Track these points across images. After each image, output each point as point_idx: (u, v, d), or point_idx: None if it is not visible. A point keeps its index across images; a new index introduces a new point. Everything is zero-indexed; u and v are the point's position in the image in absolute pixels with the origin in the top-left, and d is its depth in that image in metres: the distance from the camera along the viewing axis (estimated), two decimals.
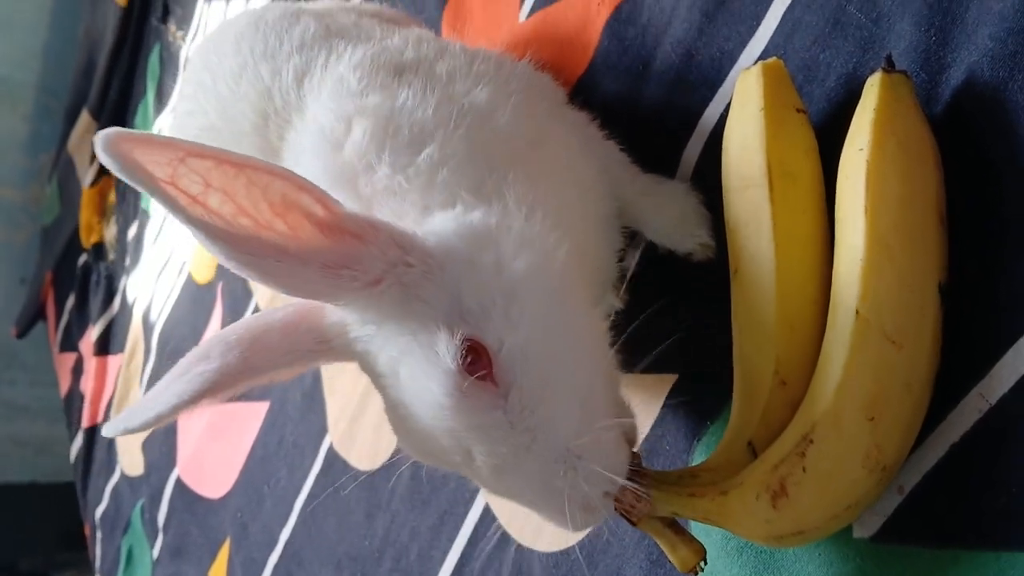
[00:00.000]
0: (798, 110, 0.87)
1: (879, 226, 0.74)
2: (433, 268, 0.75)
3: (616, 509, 0.77)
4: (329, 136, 0.88)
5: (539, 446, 0.72)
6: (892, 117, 0.77)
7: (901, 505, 0.76)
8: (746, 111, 0.87)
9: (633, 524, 0.78)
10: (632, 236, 1.07)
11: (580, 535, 1.07)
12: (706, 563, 0.79)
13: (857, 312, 0.73)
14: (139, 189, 0.64)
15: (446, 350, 0.71)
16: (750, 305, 0.84)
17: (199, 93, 1.12)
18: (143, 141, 0.62)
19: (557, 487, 0.72)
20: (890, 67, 0.80)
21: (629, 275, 1.08)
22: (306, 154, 0.91)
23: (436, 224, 0.79)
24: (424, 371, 0.72)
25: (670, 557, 0.79)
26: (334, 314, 0.79)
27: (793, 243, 0.82)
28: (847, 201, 0.78)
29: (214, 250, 0.67)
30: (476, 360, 0.72)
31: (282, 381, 0.80)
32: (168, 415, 0.73)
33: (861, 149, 0.77)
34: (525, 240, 0.78)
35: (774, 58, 0.88)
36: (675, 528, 0.79)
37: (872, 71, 0.80)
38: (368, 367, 0.79)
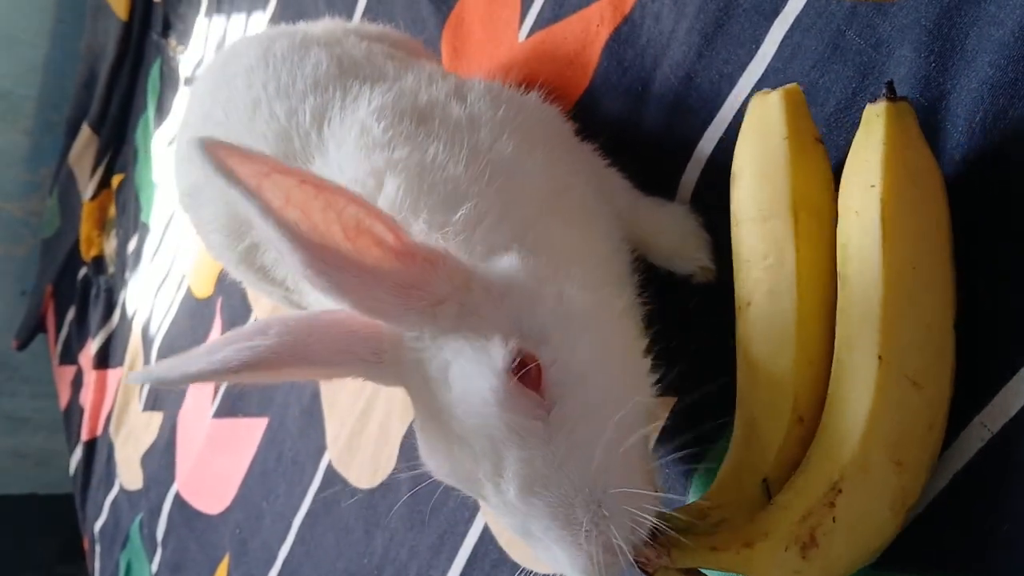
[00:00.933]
0: (817, 139, 0.85)
1: (897, 267, 0.73)
2: (494, 296, 0.77)
3: (634, 559, 0.76)
4: (361, 191, 0.88)
5: (571, 466, 0.72)
6: (902, 150, 0.76)
7: (903, 533, 0.75)
8: (768, 140, 0.85)
9: (649, 575, 0.77)
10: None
11: None
12: None
13: (880, 357, 0.72)
14: (231, 188, 0.65)
15: (498, 352, 0.73)
16: (766, 339, 0.82)
17: (208, 125, 1.12)
18: (236, 152, 0.65)
19: (578, 518, 0.72)
20: (893, 95, 0.78)
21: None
22: None
23: (499, 263, 0.81)
24: (475, 369, 0.74)
25: None
26: (390, 329, 0.80)
27: (814, 280, 0.81)
28: (858, 239, 0.76)
29: (295, 256, 0.68)
30: (526, 370, 0.73)
31: (310, 381, 0.80)
32: (209, 375, 0.74)
33: (873, 185, 0.75)
34: (587, 284, 0.81)
35: (793, 85, 0.86)
36: (690, 572, 0.78)
37: (873, 98, 0.79)
38: (416, 376, 0.79)
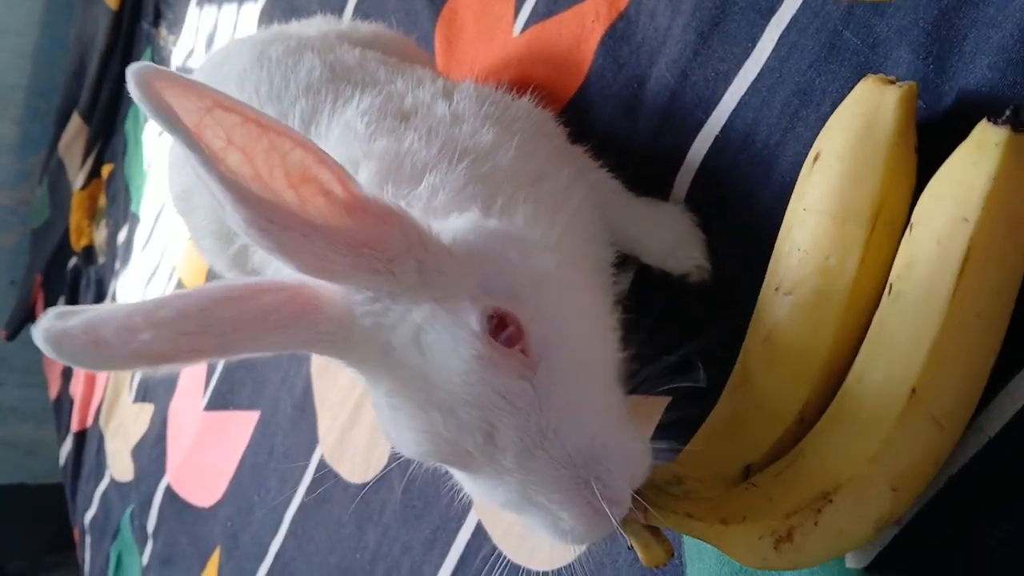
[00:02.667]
0: (916, 149, 0.80)
1: (963, 314, 0.69)
2: (456, 255, 0.74)
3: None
4: None
5: (567, 424, 0.71)
6: (1010, 193, 0.69)
7: (897, 537, 0.76)
8: (871, 139, 0.78)
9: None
10: (623, 260, 1.07)
11: (574, 554, 1.06)
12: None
13: (914, 390, 0.70)
14: (166, 131, 0.61)
15: (474, 314, 0.70)
16: (796, 336, 0.80)
17: None
18: (175, 82, 0.61)
19: (581, 475, 0.70)
20: (1019, 124, 0.69)
21: (623, 297, 1.08)
22: None
23: (451, 222, 0.78)
24: (451, 335, 0.70)
25: (640, 553, 0.79)
26: (332, 293, 0.75)
27: (865, 294, 0.78)
28: (931, 267, 0.71)
29: (237, 213, 0.64)
30: (503, 329, 0.71)
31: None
32: (127, 363, 0.68)
33: (966, 220, 0.69)
34: (548, 246, 0.79)
35: (912, 84, 0.79)
36: (652, 530, 0.79)
37: (995, 118, 0.70)
38: (374, 346, 0.74)
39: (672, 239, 1.00)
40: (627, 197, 1.04)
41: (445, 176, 0.84)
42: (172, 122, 0.61)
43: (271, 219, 0.65)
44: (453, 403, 0.70)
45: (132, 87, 0.60)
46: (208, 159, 0.62)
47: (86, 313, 0.66)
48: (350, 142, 0.90)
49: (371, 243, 0.71)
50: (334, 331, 0.75)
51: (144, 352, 0.67)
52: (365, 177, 0.86)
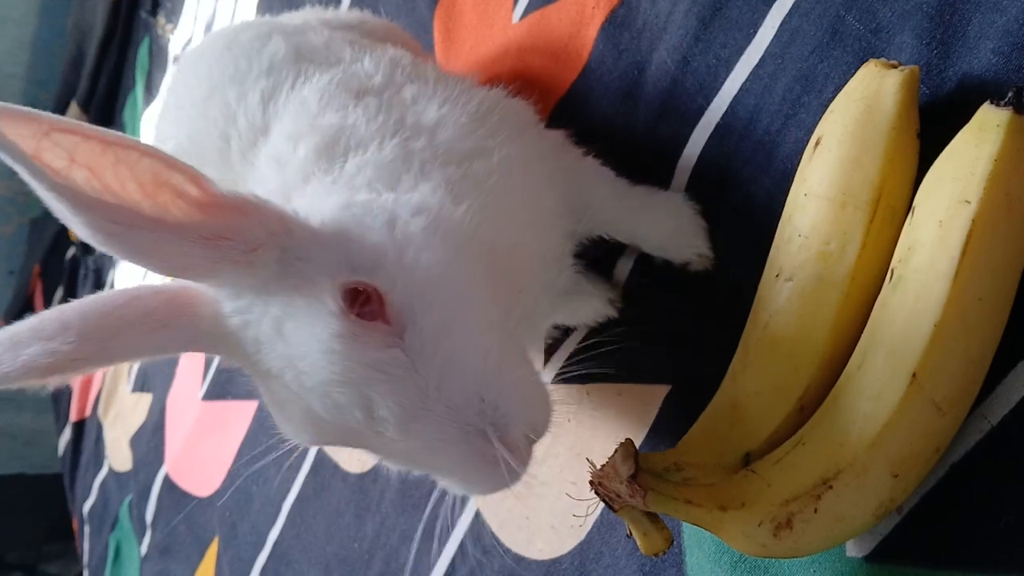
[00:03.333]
0: (918, 135, 0.79)
1: (964, 298, 0.68)
2: (324, 237, 0.73)
3: (601, 494, 0.77)
4: (278, 155, 0.87)
5: (449, 381, 0.70)
6: (1011, 173, 0.69)
7: (899, 525, 0.75)
8: (872, 124, 0.78)
9: (614, 511, 0.78)
10: (622, 248, 1.06)
11: (572, 543, 1.06)
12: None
13: (914, 375, 0.69)
14: (7, 161, 0.61)
15: (328, 292, 0.70)
16: (796, 322, 0.80)
17: (172, 113, 1.10)
18: (7, 112, 0.60)
19: (473, 424, 0.69)
20: (1021, 106, 0.69)
21: (623, 285, 1.08)
22: (259, 173, 0.89)
23: (325, 202, 0.78)
24: (309, 320, 0.70)
25: (638, 540, 0.79)
26: (206, 293, 0.76)
27: (866, 279, 0.78)
28: (932, 251, 0.70)
29: (78, 219, 0.64)
30: (367, 304, 0.70)
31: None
32: (11, 381, 0.68)
33: (968, 202, 0.69)
34: (425, 207, 0.77)
35: (914, 68, 0.79)
36: (651, 516, 0.79)
37: (997, 100, 0.70)
38: (247, 341, 0.74)
39: (672, 227, 0.99)
40: (621, 185, 1.03)
41: (376, 154, 0.83)
42: (8, 149, 0.61)
43: (115, 220, 0.65)
44: (326, 385, 0.70)
45: None
46: (39, 177, 0.62)
47: None
48: (300, 117, 0.89)
49: (227, 234, 0.70)
50: (212, 330, 0.75)
51: (33, 366, 0.67)
52: (302, 152, 0.85)
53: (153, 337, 0.73)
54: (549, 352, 1.14)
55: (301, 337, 0.70)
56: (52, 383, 0.70)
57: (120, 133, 0.65)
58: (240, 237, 0.70)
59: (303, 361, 0.70)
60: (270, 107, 0.94)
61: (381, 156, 0.83)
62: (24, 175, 0.62)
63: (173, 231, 0.67)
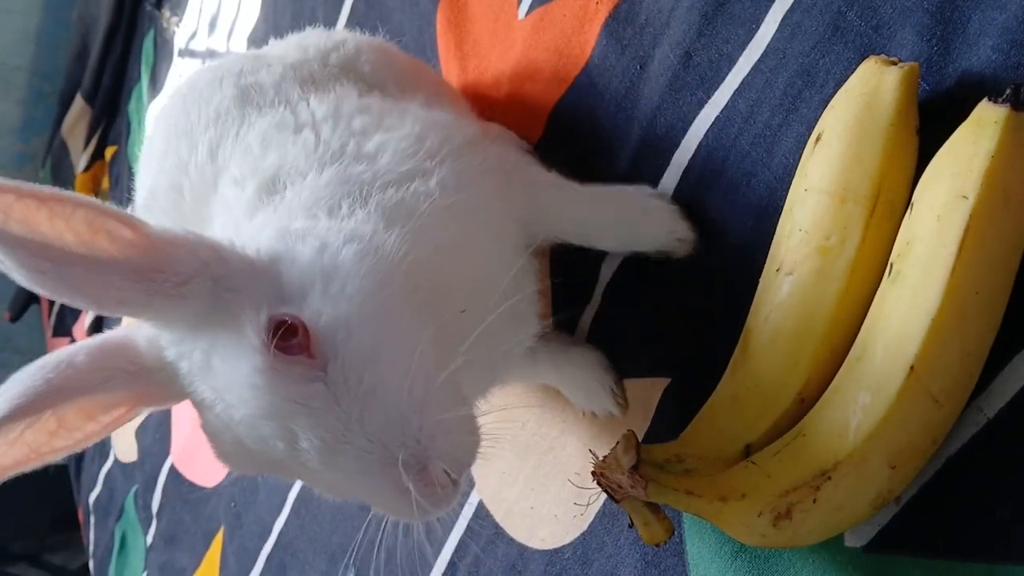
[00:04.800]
0: (917, 131, 0.80)
1: (962, 291, 0.69)
2: (258, 267, 0.74)
3: (603, 485, 0.79)
4: (226, 200, 0.88)
5: (370, 413, 0.70)
6: (1008, 170, 0.70)
7: (896, 516, 0.76)
8: (871, 120, 0.79)
9: (616, 501, 0.80)
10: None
11: (575, 533, 1.07)
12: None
13: (912, 368, 0.70)
14: None
15: (251, 328, 0.70)
16: (796, 316, 0.81)
17: (144, 162, 1.10)
18: None
19: (392, 455, 0.69)
20: (1018, 103, 0.70)
21: (607, 282, 1.09)
22: (213, 222, 0.90)
23: (261, 233, 0.78)
24: (234, 353, 0.71)
25: (639, 530, 0.81)
26: (146, 335, 0.78)
27: (865, 273, 0.79)
28: (930, 245, 0.71)
29: (11, 260, 0.65)
30: (291, 337, 0.70)
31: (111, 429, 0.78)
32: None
33: (965, 197, 0.70)
34: (356, 235, 0.77)
35: (914, 65, 0.80)
36: (652, 507, 0.80)
37: (995, 96, 0.72)
38: (181, 373, 0.76)
39: (639, 218, 0.99)
40: (575, 187, 1.03)
41: (315, 179, 0.84)
42: None
43: (47, 258, 0.66)
44: (251, 419, 0.71)
45: None
46: None
47: None
48: (244, 162, 0.90)
49: (160, 267, 0.71)
50: (157, 368, 0.77)
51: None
52: (248, 191, 0.86)
53: (104, 389, 0.75)
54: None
55: (227, 370, 0.72)
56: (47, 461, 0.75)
57: (55, 189, 0.67)
58: (172, 270, 0.71)
59: (229, 394, 0.72)
60: (218, 158, 0.94)
61: (319, 181, 0.83)
62: None
63: (106, 267, 0.69)
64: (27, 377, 0.72)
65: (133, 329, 0.78)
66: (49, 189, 0.66)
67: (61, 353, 0.74)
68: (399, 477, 0.69)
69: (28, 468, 0.74)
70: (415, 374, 0.72)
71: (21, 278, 0.66)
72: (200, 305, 0.72)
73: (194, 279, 0.72)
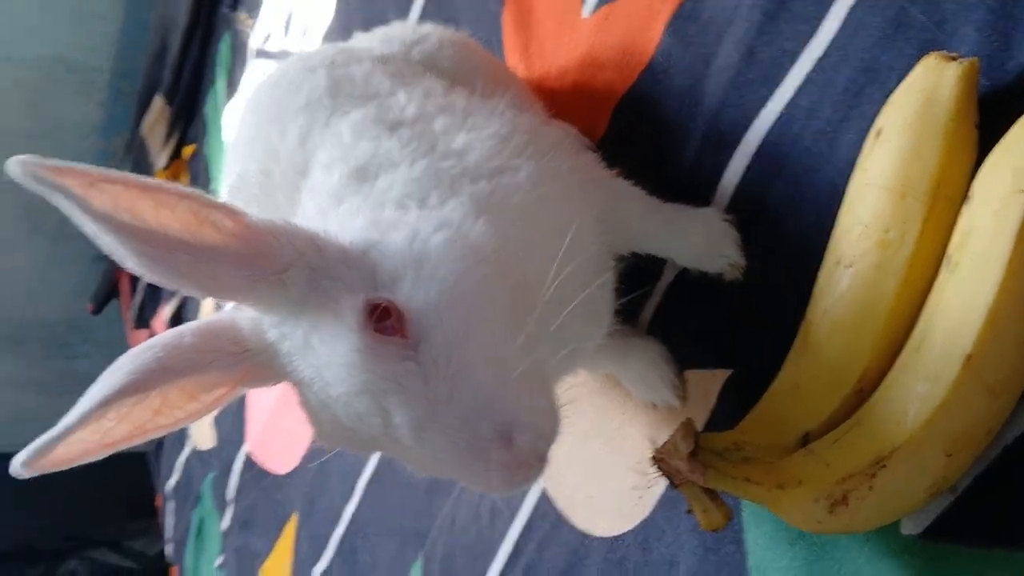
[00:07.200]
0: (976, 126, 0.81)
1: (1019, 282, 0.71)
2: (352, 256, 0.78)
3: (663, 470, 0.81)
4: (315, 185, 0.92)
5: (459, 396, 0.73)
6: None
7: (953, 504, 0.77)
8: (930, 116, 0.80)
9: (675, 486, 0.82)
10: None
11: (635, 521, 1.10)
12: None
13: (969, 357, 0.71)
14: (62, 203, 0.66)
15: (349, 311, 0.74)
16: (855, 308, 0.82)
17: (234, 147, 1.15)
18: (58, 168, 0.66)
19: (482, 433, 0.72)
20: None
21: (669, 282, 1.12)
22: (302, 206, 0.94)
23: (354, 222, 0.82)
24: (332, 334, 0.75)
25: (698, 515, 0.83)
26: (250, 317, 0.81)
27: (924, 267, 0.80)
28: (988, 236, 0.73)
29: (124, 248, 0.69)
30: (385, 319, 0.74)
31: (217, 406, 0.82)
32: (87, 416, 0.72)
33: (1022, 191, 0.71)
34: (446, 223, 0.80)
35: (973, 60, 0.80)
36: (711, 493, 0.83)
37: None
38: (282, 352, 0.79)
39: (703, 240, 1.04)
40: (652, 203, 1.07)
41: (406, 171, 0.87)
42: (63, 191, 0.66)
43: (157, 244, 0.70)
44: (347, 395, 0.74)
45: (21, 178, 0.65)
46: (85, 208, 0.67)
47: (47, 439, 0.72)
48: (334, 149, 0.94)
49: (261, 257, 0.75)
50: (259, 350, 0.80)
51: (107, 442, 0.75)
52: (336, 178, 0.89)
53: (210, 371, 0.78)
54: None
55: (326, 350, 0.75)
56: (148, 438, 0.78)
57: (161, 180, 0.71)
58: (272, 259, 0.76)
59: (327, 372, 0.75)
60: (308, 143, 0.98)
61: (411, 173, 0.87)
62: (74, 217, 0.67)
63: (211, 255, 0.73)
64: (138, 356, 0.75)
65: (237, 312, 0.82)
66: (155, 181, 0.70)
67: (169, 334, 0.78)
68: (486, 453, 0.72)
69: (132, 444, 0.78)
70: (502, 354, 0.76)
71: (134, 264, 0.70)
72: (299, 291, 0.76)
73: (292, 267, 0.76)
